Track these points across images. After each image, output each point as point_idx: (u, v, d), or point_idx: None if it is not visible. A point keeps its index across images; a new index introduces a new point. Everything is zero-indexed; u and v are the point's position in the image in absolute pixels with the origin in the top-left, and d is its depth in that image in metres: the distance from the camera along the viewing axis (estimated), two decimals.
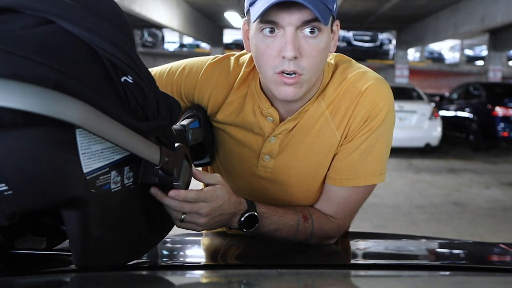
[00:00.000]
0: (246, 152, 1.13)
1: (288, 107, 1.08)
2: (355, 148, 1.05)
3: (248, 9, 0.99)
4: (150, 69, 1.13)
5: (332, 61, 1.10)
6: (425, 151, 9.21)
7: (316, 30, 0.96)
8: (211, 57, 1.17)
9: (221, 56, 1.17)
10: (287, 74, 0.97)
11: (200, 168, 1.21)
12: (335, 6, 0.98)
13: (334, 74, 1.08)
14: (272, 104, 1.09)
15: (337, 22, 1.03)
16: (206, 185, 0.96)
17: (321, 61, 0.99)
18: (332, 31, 1.01)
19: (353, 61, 1.12)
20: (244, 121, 1.11)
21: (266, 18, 0.94)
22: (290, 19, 0.94)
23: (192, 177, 0.92)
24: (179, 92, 1.15)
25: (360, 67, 1.09)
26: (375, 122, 1.04)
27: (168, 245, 1.06)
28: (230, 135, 1.14)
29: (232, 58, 1.16)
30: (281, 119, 1.10)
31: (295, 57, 0.95)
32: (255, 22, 0.96)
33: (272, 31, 0.96)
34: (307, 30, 0.95)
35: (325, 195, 1.11)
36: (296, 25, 0.94)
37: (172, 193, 0.83)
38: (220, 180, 0.94)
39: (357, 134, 1.05)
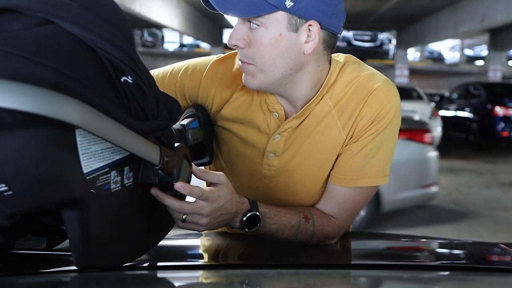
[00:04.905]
0: (250, 150, 1.13)
1: (290, 103, 1.08)
2: (360, 148, 1.05)
3: None
4: (152, 71, 1.14)
5: (341, 60, 1.10)
6: None
7: (254, 24, 0.98)
8: (215, 56, 1.17)
9: (225, 54, 1.17)
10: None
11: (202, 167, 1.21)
12: (288, 1, 0.95)
13: (342, 73, 1.08)
14: (278, 101, 1.09)
15: (311, 22, 0.98)
16: (208, 183, 0.96)
17: (270, 54, 0.99)
18: (309, 30, 0.98)
19: (362, 62, 1.12)
20: (251, 117, 1.11)
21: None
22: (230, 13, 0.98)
23: (194, 176, 0.92)
24: (182, 92, 1.15)
25: (369, 69, 1.09)
26: (381, 124, 1.04)
27: (168, 245, 1.06)
28: (235, 133, 1.14)
29: (237, 56, 1.16)
30: (286, 116, 1.10)
31: (239, 47, 1.00)
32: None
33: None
34: (252, 23, 0.98)
35: (327, 195, 1.11)
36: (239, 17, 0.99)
37: (178, 185, 0.83)
38: (223, 179, 0.94)
39: (363, 134, 1.05)
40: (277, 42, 0.99)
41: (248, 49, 1.00)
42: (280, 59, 1.00)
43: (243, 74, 1.04)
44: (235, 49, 1.05)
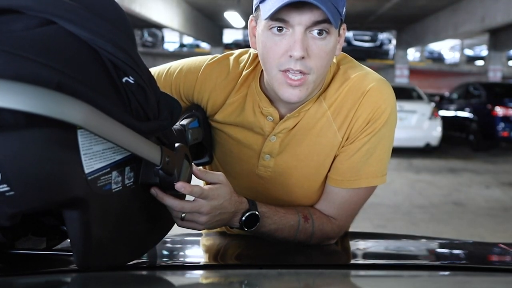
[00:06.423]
0: (246, 152, 1.13)
1: (288, 106, 1.08)
2: (357, 149, 1.05)
3: (258, 6, 0.99)
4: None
5: (334, 61, 1.09)
6: (425, 151, 9.21)
7: (324, 32, 0.95)
8: (209, 57, 1.16)
9: (219, 56, 1.16)
10: (292, 73, 0.96)
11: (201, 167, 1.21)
12: (344, 9, 0.98)
13: (335, 74, 1.08)
14: (272, 104, 1.09)
15: (344, 26, 1.03)
16: (207, 183, 0.96)
17: (327, 63, 0.99)
18: (339, 34, 1.01)
19: (355, 61, 1.12)
20: (244, 121, 1.11)
21: (276, 16, 0.93)
22: (300, 19, 0.93)
23: (194, 176, 0.92)
24: (178, 93, 1.15)
25: (363, 68, 1.09)
26: (377, 124, 1.03)
27: (168, 245, 1.07)
28: (230, 135, 1.14)
29: (231, 58, 1.15)
30: (281, 118, 1.10)
31: (302, 57, 0.95)
32: (265, 20, 0.96)
33: (280, 30, 0.95)
34: (315, 32, 0.95)
35: (325, 196, 1.11)
36: (306, 25, 0.94)
37: (179, 184, 0.83)
38: (223, 179, 0.94)
39: (359, 135, 1.05)
40: (334, 48, 1.00)
41: (308, 59, 0.96)
42: (328, 66, 1.01)
43: (289, 89, 0.98)
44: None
